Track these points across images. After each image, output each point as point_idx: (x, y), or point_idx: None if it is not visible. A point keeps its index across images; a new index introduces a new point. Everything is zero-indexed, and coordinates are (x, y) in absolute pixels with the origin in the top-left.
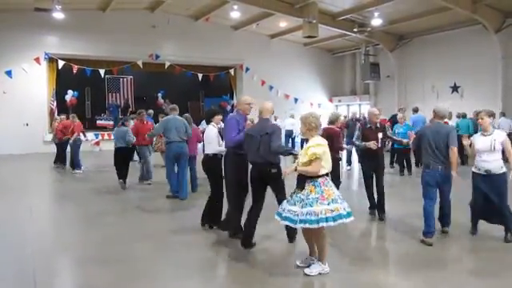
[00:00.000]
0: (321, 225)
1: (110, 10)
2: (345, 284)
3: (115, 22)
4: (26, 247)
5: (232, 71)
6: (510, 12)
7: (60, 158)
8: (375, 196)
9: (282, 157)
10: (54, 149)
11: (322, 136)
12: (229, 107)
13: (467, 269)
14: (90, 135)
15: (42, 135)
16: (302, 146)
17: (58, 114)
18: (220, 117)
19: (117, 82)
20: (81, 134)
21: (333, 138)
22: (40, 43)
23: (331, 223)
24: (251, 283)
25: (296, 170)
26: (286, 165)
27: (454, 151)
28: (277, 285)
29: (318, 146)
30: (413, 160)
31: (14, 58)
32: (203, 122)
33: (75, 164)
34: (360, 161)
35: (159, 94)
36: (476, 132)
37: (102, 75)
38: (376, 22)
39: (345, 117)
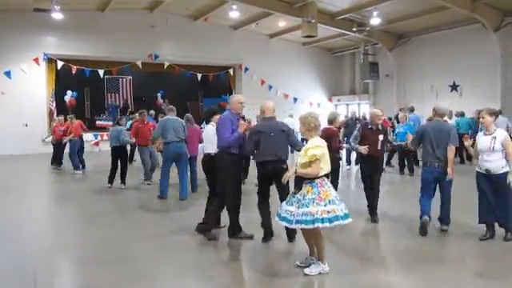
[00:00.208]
0: (316, 225)
1: (108, 11)
2: (345, 283)
3: (114, 22)
4: (25, 247)
5: (231, 71)
6: (508, 11)
7: (56, 159)
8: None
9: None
10: (52, 149)
11: (321, 136)
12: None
13: (467, 268)
14: (90, 136)
15: (41, 136)
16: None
17: (57, 115)
18: (219, 116)
19: (116, 83)
20: (76, 136)
21: (331, 138)
22: (39, 44)
23: (327, 224)
24: (251, 283)
25: (296, 172)
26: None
27: (452, 149)
28: (276, 285)
29: (317, 147)
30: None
31: (13, 58)
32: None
33: (74, 165)
34: (359, 161)
35: (158, 94)
36: (477, 131)
37: (101, 75)
38: (375, 21)
39: (345, 116)
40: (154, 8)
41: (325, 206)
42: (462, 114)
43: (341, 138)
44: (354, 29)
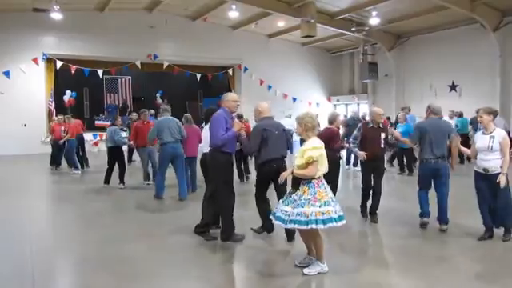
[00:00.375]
0: (310, 226)
1: (108, 11)
2: (344, 283)
3: (113, 22)
4: (24, 247)
5: (230, 71)
6: (507, 10)
7: (55, 160)
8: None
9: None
10: (51, 149)
11: (321, 136)
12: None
13: (466, 268)
14: (89, 135)
15: (40, 136)
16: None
17: (57, 115)
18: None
19: (115, 83)
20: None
21: (331, 138)
22: (38, 44)
23: (321, 226)
24: (249, 283)
25: (293, 173)
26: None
27: (456, 139)
28: (276, 285)
29: (315, 148)
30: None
31: (12, 58)
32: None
33: (73, 165)
34: (360, 161)
35: (157, 94)
36: (476, 130)
37: (100, 75)
38: (374, 21)
39: (345, 116)
40: (153, 8)
41: (320, 207)
42: (460, 115)
43: (342, 138)
44: (353, 29)
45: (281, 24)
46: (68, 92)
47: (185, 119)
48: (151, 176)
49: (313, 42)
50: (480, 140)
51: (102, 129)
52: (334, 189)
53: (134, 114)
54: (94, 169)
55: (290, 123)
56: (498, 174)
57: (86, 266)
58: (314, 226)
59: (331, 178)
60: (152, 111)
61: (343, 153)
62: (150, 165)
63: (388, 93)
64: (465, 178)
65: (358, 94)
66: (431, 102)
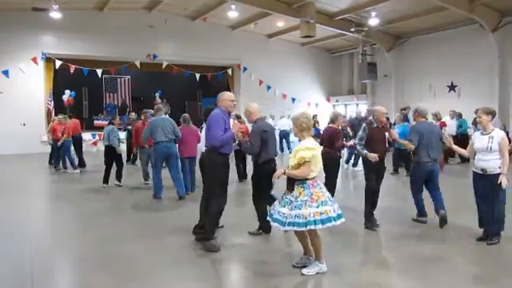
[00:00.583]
0: (309, 228)
1: (107, 10)
2: (343, 283)
3: (112, 21)
4: (23, 247)
5: (230, 71)
6: (506, 11)
7: (55, 159)
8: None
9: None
10: (50, 149)
11: (323, 135)
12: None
13: (465, 269)
14: (88, 135)
15: (39, 135)
16: None
17: (56, 114)
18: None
19: (114, 82)
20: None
21: (333, 137)
22: (37, 43)
23: (320, 226)
24: (247, 283)
25: (285, 173)
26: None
27: (448, 139)
28: (274, 285)
29: (308, 149)
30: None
31: (11, 57)
32: None
33: (71, 164)
34: (364, 162)
35: (157, 94)
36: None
37: (100, 75)
38: (373, 21)
39: (343, 116)
40: (153, 8)
41: (317, 207)
42: (459, 116)
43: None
44: (353, 29)
45: (280, 24)
46: (67, 91)
47: (182, 119)
48: (151, 176)
49: (312, 42)
50: (478, 140)
51: (101, 128)
52: (332, 188)
53: (133, 114)
54: (93, 168)
55: (288, 124)
56: (497, 174)
57: (85, 265)
58: (312, 227)
59: (330, 177)
60: (152, 111)
61: (344, 152)
62: (149, 165)
63: (387, 93)
64: (464, 178)
65: (357, 94)
66: (418, 105)
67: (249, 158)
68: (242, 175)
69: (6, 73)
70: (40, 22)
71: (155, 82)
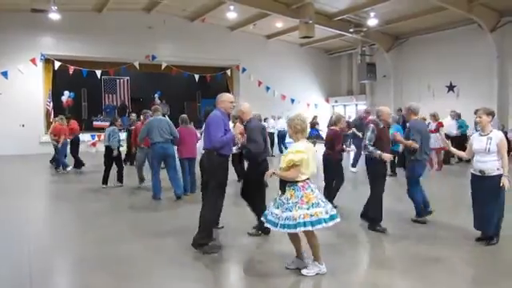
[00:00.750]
0: (298, 230)
1: (106, 11)
2: (342, 284)
3: (111, 22)
4: (22, 247)
5: (229, 72)
6: (504, 11)
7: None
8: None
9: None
10: (49, 150)
11: (326, 137)
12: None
13: (464, 270)
14: (87, 136)
15: (38, 136)
16: None
17: (56, 115)
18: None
19: (113, 83)
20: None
21: (334, 140)
22: (36, 44)
23: (309, 228)
24: (246, 284)
25: (274, 173)
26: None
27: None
28: (273, 285)
29: (298, 152)
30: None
31: (10, 58)
32: None
33: (62, 164)
34: (370, 165)
35: (156, 95)
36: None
37: (99, 76)
38: (372, 22)
39: (349, 117)
40: (152, 9)
41: (308, 209)
42: (458, 116)
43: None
44: (351, 30)
45: (279, 25)
46: (66, 92)
47: (181, 120)
48: (148, 177)
49: (311, 42)
50: (477, 141)
51: (100, 129)
52: (329, 188)
53: (134, 115)
54: (92, 169)
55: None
56: (495, 176)
57: (84, 265)
58: (302, 229)
59: (331, 178)
60: (151, 112)
61: (350, 155)
62: (145, 166)
63: (386, 93)
64: (463, 178)
65: (356, 94)
66: (410, 103)
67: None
68: (241, 175)
69: (5, 74)
70: (39, 23)
71: (154, 83)
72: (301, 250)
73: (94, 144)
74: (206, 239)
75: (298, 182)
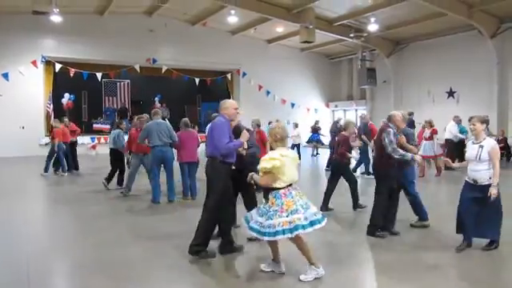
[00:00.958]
0: (277, 237)
1: (107, 14)
2: None
3: (113, 25)
4: (20, 250)
5: (229, 76)
6: (505, 17)
7: (68, 163)
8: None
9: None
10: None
11: (336, 142)
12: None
13: (462, 276)
14: (87, 139)
15: (38, 138)
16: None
17: (59, 118)
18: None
19: (114, 86)
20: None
21: (342, 144)
22: (37, 46)
23: (289, 235)
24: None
25: (252, 178)
26: None
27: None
28: None
29: (271, 159)
30: None
31: (11, 60)
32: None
33: (46, 167)
34: (381, 174)
35: (156, 98)
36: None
37: (99, 79)
38: (372, 27)
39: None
40: (153, 12)
41: (287, 216)
42: (460, 121)
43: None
44: (352, 35)
45: (280, 29)
46: (66, 95)
47: (183, 124)
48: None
49: (311, 47)
50: (469, 149)
51: (100, 132)
52: (328, 193)
53: (136, 119)
54: (91, 171)
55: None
56: (487, 185)
57: (83, 268)
58: (280, 237)
59: (336, 182)
60: (145, 116)
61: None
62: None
63: (386, 99)
64: (461, 185)
65: (357, 99)
66: (397, 111)
67: None
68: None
69: (5, 76)
70: (40, 26)
71: (154, 86)
72: (278, 254)
73: (94, 147)
74: (201, 246)
75: (279, 189)
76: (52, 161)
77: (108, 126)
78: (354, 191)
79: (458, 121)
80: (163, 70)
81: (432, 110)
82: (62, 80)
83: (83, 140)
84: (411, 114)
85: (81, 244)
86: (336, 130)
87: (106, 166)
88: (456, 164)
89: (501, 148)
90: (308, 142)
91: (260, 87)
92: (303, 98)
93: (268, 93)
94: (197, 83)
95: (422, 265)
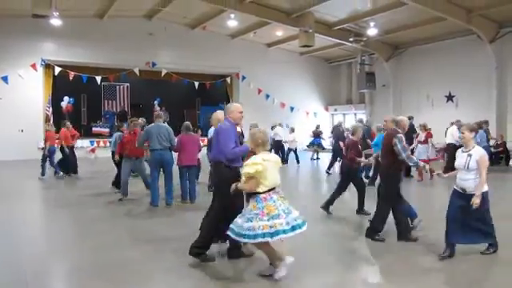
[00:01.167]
0: (258, 240)
1: (107, 18)
2: None
3: (112, 29)
4: (19, 253)
5: (228, 79)
6: (503, 22)
7: (72, 166)
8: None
9: None
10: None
11: (346, 146)
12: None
13: (459, 280)
14: (86, 142)
15: (36, 141)
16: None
17: (62, 122)
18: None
19: (113, 90)
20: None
21: (350, 148)
22: (37, 49)
23: (268, 238)
24: None
25: (236, 189)
26: None
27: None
28: None
29: (253, 164)
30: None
31: (11, 63)
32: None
33: (43, 170)
34: (390, 178)
35: (155, 102)
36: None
37: (99, 82)
38: (372, 31)
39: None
40: (153, 16)
41: (268, 220)
42: (460, 126)
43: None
44: (351, 39)
45: (279, 33)
46: (66, 98)
47: (184, 127)
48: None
49: (311, 51)
50: (458, 158)
51: (100, 135)
52: (334, 195)
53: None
54: (90, 175)
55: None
56: (475, 194)
57: (81, 272)
58: (259, 240)
59: (345, 185)
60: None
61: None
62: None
63: (385, 103)
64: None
65: (356, 103)
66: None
67: None
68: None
69: (5, 79)
70: (40, 29)
71: (154, 90)
72: (275, 259)
73: (93, 150)
74: (202, 249)
75: (259, 193)
76: (46, 164)
77: (107, 130)
78: (361, 196)
79: (460, 125)
80: (163, 74)
81: (431, 114)
82: (62, 83)
83: (82, 143)
84: (411, 118)
85: (79, 247)
86: (340, 134)
87: (105, 170)
88: (445, 175)
89: (500, 152)
90: (309, 146)
91: (259, 91)
92: (302, 102)
93: (267, 96)
94: (196, 87)
95: (421, 269)
